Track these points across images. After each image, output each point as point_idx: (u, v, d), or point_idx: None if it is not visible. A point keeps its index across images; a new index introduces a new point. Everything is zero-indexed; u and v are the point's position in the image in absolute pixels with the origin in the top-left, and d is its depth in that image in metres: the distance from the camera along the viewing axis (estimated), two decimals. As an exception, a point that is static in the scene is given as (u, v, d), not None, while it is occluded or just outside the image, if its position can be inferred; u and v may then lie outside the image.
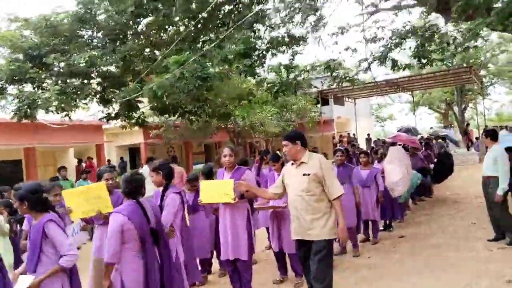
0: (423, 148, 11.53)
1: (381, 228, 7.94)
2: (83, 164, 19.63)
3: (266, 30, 8.78)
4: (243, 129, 22.47)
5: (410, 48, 8.75)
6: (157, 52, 10.46)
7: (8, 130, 14.75)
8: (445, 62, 26.60)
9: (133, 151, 24.72)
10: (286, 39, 8.91)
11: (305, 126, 27.57)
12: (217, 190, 4.49)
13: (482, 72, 28.25)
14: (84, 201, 4.16)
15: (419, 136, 17.48)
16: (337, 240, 3.83)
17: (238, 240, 4.54)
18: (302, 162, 3.87)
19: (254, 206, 4.96)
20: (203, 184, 4.79)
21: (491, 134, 6.70)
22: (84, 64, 8.37)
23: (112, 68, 10.92)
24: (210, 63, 7.76)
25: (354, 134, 27.91)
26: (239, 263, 4.57)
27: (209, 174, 5.58)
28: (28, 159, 16.71)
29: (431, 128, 24.85)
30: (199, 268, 5.30)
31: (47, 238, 3.08)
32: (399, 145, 9.49)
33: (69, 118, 10.73)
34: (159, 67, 8.70)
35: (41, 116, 11.07)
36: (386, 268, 5.84)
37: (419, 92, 34.97)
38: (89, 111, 10.60)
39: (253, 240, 4.76)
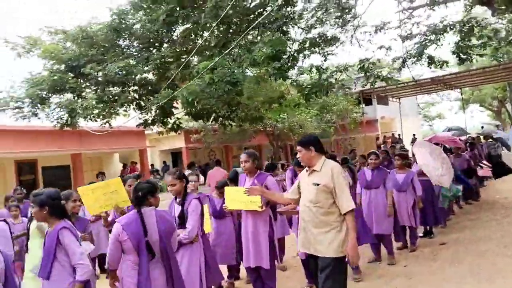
0: (468, 149, 10.88)
1: (421, 234, 7.56)
2: (128, 169, 20.31)
3: (300, 32, 8.64)
4: (282, 132, 22.34)
5: (449, 44, 8.30)
6: (195, 59, 10.57)
7: (57, 137, 15.52)
8: (495, 57, 25.16)
9: (176, 155, 25.27)
10: (319, 40, 8.70)
11: (346, 127, 26.99)
12: (243, 197, 4.37)
13: (538, 66, 26.33)
14: (101, 196, 4.24)
15: (466, 136, 16.60)
16: (346, 259, 3.42)
17: (259, 247, 4.44)
18: (314, 170, 3.58)
19: (278, 210, 4.84)
20: (227, 190, 4.74)
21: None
22: (118, 72, 8.59)
23: (150, 76, 11.20)
24: (239, 68, 7.73)
25: (399, 135, 26.96)
26: (261, 271, 4.47)
27: (234, 179, 5.52)
28: (75, 164, 17.51)
29: (482, 127, 23.50)
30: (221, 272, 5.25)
31: (61, 246, 3.11)
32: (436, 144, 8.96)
33: (109, 125, 11.07)
34: (193, 73, 8.76)
35: (85, 123, 11.53)
36: (424, 276, 5.53)
37: (469, 89, 33.28)
38: (129, 118, 10.84)
39: (276, 247, 4.63)
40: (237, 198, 4.45)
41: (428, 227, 7.60)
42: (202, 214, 4.12)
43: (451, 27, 7.94)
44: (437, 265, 5.91)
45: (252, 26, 7.89)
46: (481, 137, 17.05)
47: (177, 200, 4.06)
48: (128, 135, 19.31)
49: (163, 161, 24.21)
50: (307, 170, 3.71)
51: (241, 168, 4.76)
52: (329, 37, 8.73)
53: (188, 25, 9.88)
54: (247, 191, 3.96)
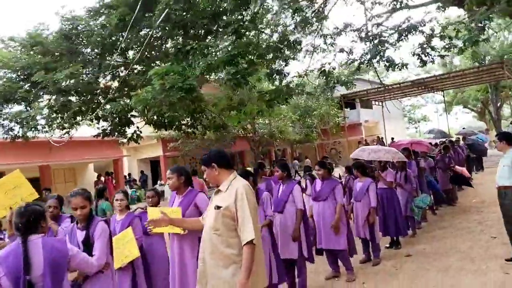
0: (441, 152, 10.52)
1: (387, 245, 7.16)
2: (102, 179, 19.69)
3: (257, 35, 8.22)
4: (262, 138, 21.96)
5: (413, 45, 7.96)
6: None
7: (25, 149, 14.89)
8: (476, 59, 25.06)
9: (155, 164, 24.70)
10: (280, 44, 8.29)
11: (328, 132, 26.73)
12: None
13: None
14: (2, 196, 3.77)
15: (444, 139, 16.32)
16: None
17: (186, 275, 3.96)
18: (219, 190, 3.04)
19: None
20: (150, 210, 4.26)
21: (506, 137, 5.80)
22: (64, 80, 8.09)
23: (114, 84, 10.72)
24: (193, 73, 7.27)
25: (382, 138, 26.70)
26: (188, 299, 3.99)
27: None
28: (44, 176, 16.86)
29: (464, 128, 23.25)
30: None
31: None
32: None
33: (69, 135, 10.54)
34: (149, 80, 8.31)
35: (43, 134, 10.99)
36: (381, 295, 5.12)
37: (452, 91, 33.26)
38: (74, 130, 10.24)
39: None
40: None
41: (394, 237, 7.18)
42: (110, 239, 3.64)
43: (414, 28, 7.59)
44: (397, 283, 5.50)
45: (208, 30, 7.51)
46: (460, 138, 16.79)
47: (79, 224, 3.57)
48: (102, 145, 18.71)
49: (141, 170, 23.65)
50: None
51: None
52: (291, 41, 8.33)
53: (149, 31, 9.48)
54: (149, 224, 3.35)
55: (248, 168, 5.36)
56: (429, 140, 18.69)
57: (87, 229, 3.52)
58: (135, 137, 10.24)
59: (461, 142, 15.74)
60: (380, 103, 27.77)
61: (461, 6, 9.49)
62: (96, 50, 9.14)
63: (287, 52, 8.46)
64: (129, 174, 22.67)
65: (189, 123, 10.46)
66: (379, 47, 7.58)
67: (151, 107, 7.22)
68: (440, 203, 10.02)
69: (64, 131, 10.47)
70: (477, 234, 7.50)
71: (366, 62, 7.93)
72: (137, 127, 10.21)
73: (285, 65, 8.43)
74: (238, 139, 21.94)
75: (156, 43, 9.99)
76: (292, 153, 31.16)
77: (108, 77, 9.44)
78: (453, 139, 15.58)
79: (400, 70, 7.74)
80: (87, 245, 3.48)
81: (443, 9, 10.19)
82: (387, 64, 7.75)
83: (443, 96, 27.68)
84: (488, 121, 34.76)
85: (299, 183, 5.53)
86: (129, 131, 10.47)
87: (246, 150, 25.88)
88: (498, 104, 29.94)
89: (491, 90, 28.78)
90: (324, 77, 7.97)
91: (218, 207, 2.92)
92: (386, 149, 7.38)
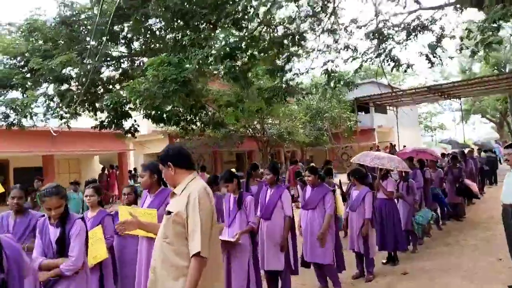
0: (449, 163, 9.97)
1: (384, 261, 6.70)
2: (107, 172, 19.51)
3: (261, 28, 7.85)
4: (271, 138, 21.54)
5: (424, 46, 7.48)
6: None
7: (29, 138, 14.73)
8: (496, 68, 24.23)
9: (162, 159, 24.43)
10: (284, 40, 7.90)
11: (340, 136, 26.17)
12: (140, 219, 3.57)
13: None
14: None
15: (457, 149, 15.68)
16: None
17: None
18: (174, 193, 2.74)
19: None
20: (121, 209, 3.94)
21: (517, 150, 5.29)
22: (59, 67, 7.82)
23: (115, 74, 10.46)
24: (190, 66, 6.93)
25: (394, 145, 26.01)
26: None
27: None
28: (47, 166, 16.73)
29: (478, 140, 22.49)
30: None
31: None
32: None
33: (68, 126, 10.29)
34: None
35: (43, 123, 10.80)
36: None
37: (471, 99, 32.35)
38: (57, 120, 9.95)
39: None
40: None
41: (392, 253, 6.70)
42: (87, 239, 3.34)
43: (423, 27, 7.11)
44: (388, 303, 5.07)
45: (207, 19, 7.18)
46: (475, 148, 16.15)
47: (52, 220, 3.26)
48: (107, 137, 18.48)
49: (147, 165, 23.44)
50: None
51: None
52: (295, 37, 7.91)
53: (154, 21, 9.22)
54: (118, 227, 3.04)
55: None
56: (443, 150, 18.03)
57: (63, 227, 3.22)
58: (132, 130, 9.98)
59: (475, 154, 15.08)
60: (394, 108, 27.10)
61: (480, 8, 8.99)
62: (98, 38, 8.87)
63: (292, 49, 8.07)
64: (135, 169, 22.46)
65: (187, 119, 10.15)
66: (384, 44, 7.12)
67: (144, 99, 6.91)
68: (447, 217, 9.49)
69: (63, 120, 10.22)
70: (483, 253, 6.98)
71: (370, 60, 7.48)
72: (135, 120, 9.95)
73: (287, 62, 8.02)
74: (246, 138, 21.57)
75: (159, 34, 9.72)
76: (302, 156, 30.64)
77: (111, 68, 9.17)
78: (466, 150, 14.90)
79: (405, 71, 7.28)
80: (62, 245, 3.20)
81: (460, 11, 9.70)
82: (392, 63, 7.27)
83: (460, 105, 26.88)
84: (507, 133, 33.69)
85: (288, 188, 5.15)
86: (127, 124, 10.19)
87: (255, 150, 25.49)
88: (517, 115, 28.94)
89: (510, 100, 27.79)
90: (327, 75, 7.57)
91: (169, 213, 2.61)
92: (390, 157, 6.93)
